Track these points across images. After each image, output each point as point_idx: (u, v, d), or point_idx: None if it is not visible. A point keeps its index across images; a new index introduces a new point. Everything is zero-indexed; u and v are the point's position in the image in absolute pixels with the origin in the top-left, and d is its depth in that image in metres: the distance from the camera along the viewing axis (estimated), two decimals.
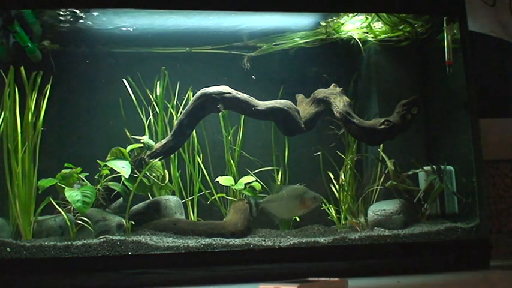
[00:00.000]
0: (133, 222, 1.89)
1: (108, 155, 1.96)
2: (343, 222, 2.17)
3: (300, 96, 2.17)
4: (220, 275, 1.75)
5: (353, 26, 2.26)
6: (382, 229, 1.97)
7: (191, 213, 2.15)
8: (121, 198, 1.99)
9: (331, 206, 2.19)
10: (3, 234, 1.84)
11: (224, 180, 2.10)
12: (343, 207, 2.19)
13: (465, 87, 2.02)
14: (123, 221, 1.87)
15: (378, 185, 2.17)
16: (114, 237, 1.75)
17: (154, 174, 2.00)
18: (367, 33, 2.29)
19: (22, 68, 1.91)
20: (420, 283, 1.64)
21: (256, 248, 1.80)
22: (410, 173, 2.13)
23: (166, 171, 2.10)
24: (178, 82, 2.22)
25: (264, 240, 1.83)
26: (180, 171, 2.19)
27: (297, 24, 2.25)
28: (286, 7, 2.01)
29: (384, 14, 2.18)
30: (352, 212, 2.15)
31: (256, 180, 2.11)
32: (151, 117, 2.20)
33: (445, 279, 1.70)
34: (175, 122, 2.04)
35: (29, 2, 1.91)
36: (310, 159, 2.26)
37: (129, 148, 1.98)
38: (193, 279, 1.72)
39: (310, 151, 2.27)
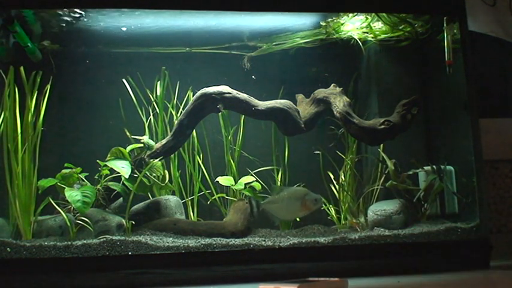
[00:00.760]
0: (133, 222, 1.89)
1: (108, 155, 1.96)
2: (343, 222, 2.17)
3: (300, 96, 2.17)
4: (220, 275, 1.75)
5: (353, 26, 2.26)
6: (382, 229, 1.97)
7: (191, 213, 2.15)
8: (121, 198, 1.99)
9: (331, 206, 2.19)
10: (3, 234, 1.84)
11: (224, 180, 2.10)
12: (343, 207, 2.19)
13: (465, 87, 2.02)
14: (123, 221, 1.87)
15: (378, 185, 2.17)
16: (114, 237, 1.75)
17: (154, 174, 2.00)
18: (367, 33, 2.29)
19: (22, 68, 1.91)
20: (420, 283, 1.64)
21: (256, 248, 1.80)
22: (411, 172, 2.13)
23: (166, 171, 2.10)
24: (178, 82, 2.22)
25: (264, 240, 1.83)
26: (180, 171, 2.19)
27: (297, 24, 2.25)
28: (286, 7, 2.01)
29: (384, 14, 2.18)
30: (352, 212, 2.15)
31: (256, 180, 2.11)
32: (151, 117, 2.20)
33: (445, 279, 1.70)
34: (176, 122, 2.04)
35: (29, 2, 1.91)
36: (310, 159, 2.26)
37: (129, 148, 1.98)
38: (193, 279, 1.72)
39: (310, 151, 2.27)
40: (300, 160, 2.29)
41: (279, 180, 2.22)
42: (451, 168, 2.15)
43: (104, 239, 1.74)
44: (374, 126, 2.05)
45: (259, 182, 2.11)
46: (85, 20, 2.08)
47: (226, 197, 2.16)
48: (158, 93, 2.20)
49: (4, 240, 1.72)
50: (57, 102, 2.11)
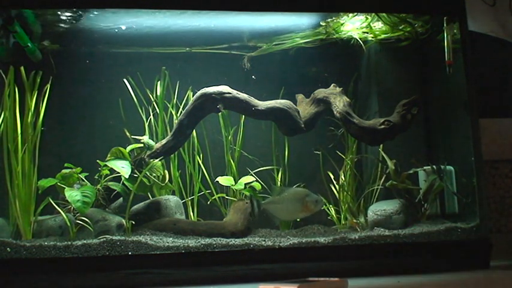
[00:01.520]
0: (133, 222, 1.89)
1: (108, 155, 1.96)
2: (343, 222, 2.18)
3: (300, 96, 2.17)
4: (220, 275, 1.75)
5: (353, 26, 2.26)
6: (382, 229, 1.97)
7: (191, 213, 2.15)
8: (121, 198, 1.99)
9: (331, 206, 2.19)
10: (3, 234, 1.84)
11: (224, 180, 2.09)
12: (343, 207, 2.19)
13: (465, 87, 2.02)
14: (123, 221, 1.87)
15: (378, 185, 2.17)
16: (114, 237, 1.75)
17: (154, 174, 2.00)
18: (367, 33, 2.29)
19: (22, 68, 1.91)
20: (420, 283, 1.64)
21: (256, 248, 1.80)
22: (411, 172, 2.13)
23: (166, 171, 2.10)
24: (178, 82, 2.22)
25: (264, 240, 1.83)
26: (180, 171, 2.19)
27: (297, 24, 2.25)
28: (286, 7, 2.01)
29: (384, 14, 2.18)
30: (352, 212, 2.15)
31: (256, 180, 2.11)
32: (151, 117, 2.20)
33: (445, 279, 1.70)
34: (176, 122, 2.04)
35: (29, 2, 1.91)
36: (310, 159, 2.26)
37: (129, 148, 1.98)
38: (193, 279, 1.72)
39: (310, 151, 2.27)
40: (300, 160, 2.29)
41: (279, 180, 2.22)
42: (451, 168, 2.15)
43: (104, 239, 1.74)
44: (374, 126, 2.06)
45: (259, 182, 2.11)
46: (85, 20, 2.08)
47: (226, 197, 2.16)
48: (158, 93, 2.20)
49: (4, 240, 1.72)
50: (57, 102, 2.11)
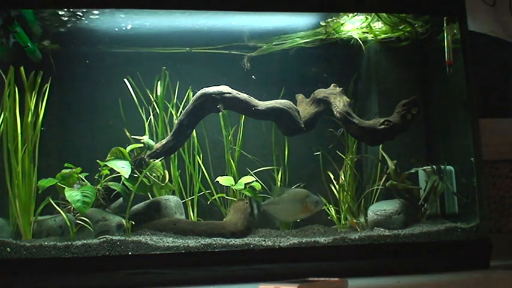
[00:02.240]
0: (133, 222, 1.89)
1: (108, 155, 1.96)
2: (343, 222, 2.18)
3: (300, 96, 2.17)
4: (220, 275, 1.75)
5: (353, 26, 2.26)
6: (382, 229, 1.97)
7: (191, 213, 2.15)
8: (121, 198, 1.99)
9: (331, 206, 2.19)
10: (3, 234, 1.84)
11: (224, 180, 2.09)
12: (343, 207, 2.19)
13: (465, 87, 2.02)
14: (123, 221, 1.87)
15: (378, 185, 2.17)
16: (114, 237, 1.75)
17: (154, 174, 2.00)
18: (367, 33, 2.29)
19: (22, 68, 1.91)
20: (420, 283, 1.64)
21: (256, 248, 1.80)
22: (412, 171, 2.13)
23: (166, 171, 2.10)
24: (178, 82, 2.22)
25: (264, 240, 1.83)
26: (180, 171, 2.19)
27: (297, 24, 2.25)
28: (286, 7, 2.01)
29: (384, 14, 2.18)
30: (352, 212, 2.15)
31: (256, 180, 2.11)
32: (151, 117, 2.20)
33: (445, 279, 1.70)
34: (176, 122, 2.04)
35: (29, 2, 1.91)
36: (310, 159, 2.26)
37: (129, 148, 1.98)
38: (193, 279, 1.72)
39: (310, 151, 2.27)
40: (300, 160, 2.29)
41: (279, 180, 2.22)
42: (451, 168, 2.15)
43: (104, 239, 1.74)
44: (374, 126, 2.06)
45: (259, 182, 2.11)
46: (85, 19, 2.08)
47: (226, 197, 2.16)
48: (158, 93, 2.20)
49: (4, 240, 1.72)
50: (57, 102, 2.11)
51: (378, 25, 2.27)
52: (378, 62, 2.39)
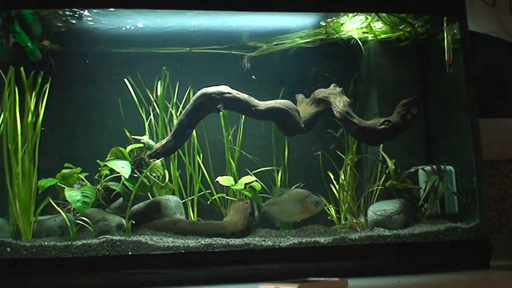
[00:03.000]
0: (133, 222, 1.89)
1: (108, 155, 1.96)
2: (343, 222, 2.18)
3: (300, 96, 2.17)
4: (220, 275, 1.75)
5: (353, 26, 2.26)
6: (382, 229, 1.97)
7: (191, 213, 2.15)
8: (121, 198, 1.99)
9: (331, 206, 2.19)
10: (3, 234, 1.84)
11: (224, 180, 2.09)
12: (343, 207, 2.19)
13: (465, 88, 2.02)
14: (123, 221, 1.87)
15: (378, 185, 2.17)
16: (114, 237, 1.75)
17: (154, 174, 2.00)
18: (367, 33, 2.29)
19: (22, 68, 1.91)
20: (420, 283, 1.64)
21: (256, 248, 1.80)
22: (412, 170, 2.13)
23: (166, 171, 2.10)
24: (178, 82, 2.22)
25: (264, 240, 1.83)
26: (180, 171, 2.19)
27: (297, 24, 2.25)
28: (286, 7, 2.01)
29: (384, 14, 2.18)
30: (352, 212, 2.15)
31: (256, 181, 2.11)
32: (151, 117, 2.20)
33: (445, 279, 1.70)
34: (176, 122, 2.04)
35: (29, 2, 1.91)
36: (310, 159, 2.26)
37: (129, 148, 1.98)
38: (193, 279, 1.72)
39: (310, 151, 2.27)
40: (300, 160, 2.29)
41: (279, 180, 2.22)
42: (451, 168, 2.15)
43: (104, 239, 1.74)
44: (374, 126, 2.06)
45: (259, 182, 2.11)
46: (85, 19, 2.08)
47: (226, 197, 2.16)
48: (158, 93, 2.20)
49: (4, 240, 1.72)
50: (57, 102, 2.11)
51: (378, 25, 2.27)
52: (377, 62, 2.39)
